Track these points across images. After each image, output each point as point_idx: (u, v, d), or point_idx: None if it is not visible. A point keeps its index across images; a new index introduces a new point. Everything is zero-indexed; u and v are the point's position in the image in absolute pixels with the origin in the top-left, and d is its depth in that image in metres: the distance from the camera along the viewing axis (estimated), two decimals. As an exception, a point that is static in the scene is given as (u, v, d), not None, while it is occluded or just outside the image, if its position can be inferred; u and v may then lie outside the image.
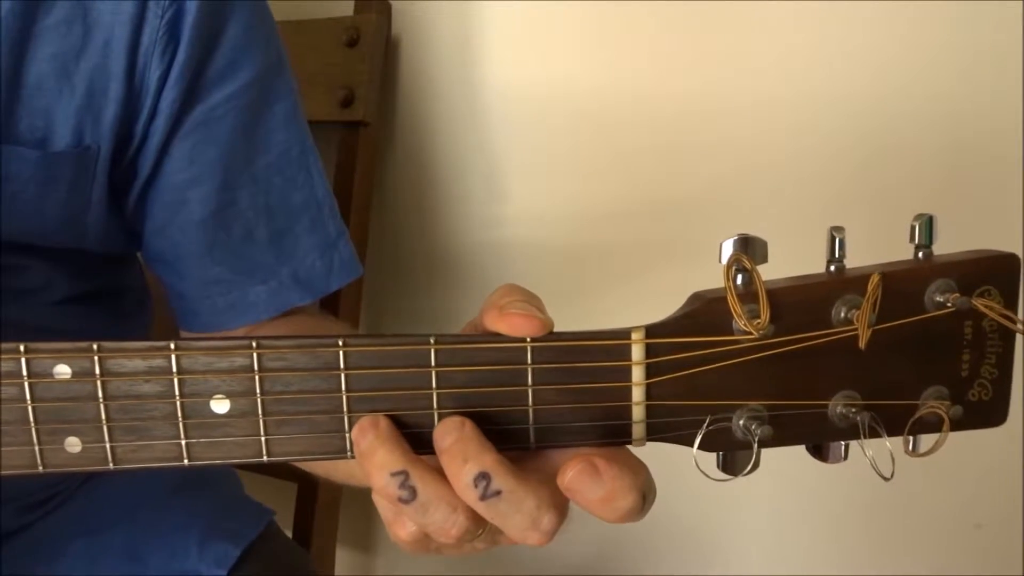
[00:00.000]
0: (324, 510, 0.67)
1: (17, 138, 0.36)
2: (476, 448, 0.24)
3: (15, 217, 0.37)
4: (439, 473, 0.25)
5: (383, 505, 0.26)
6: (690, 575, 0.65)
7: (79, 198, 0.38)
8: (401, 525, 0.26)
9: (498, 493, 0.24)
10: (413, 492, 0.24)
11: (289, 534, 0.67)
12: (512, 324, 0.25)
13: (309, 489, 0.67)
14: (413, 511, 0.25)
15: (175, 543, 0.44)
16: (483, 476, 0.24)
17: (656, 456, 0.27)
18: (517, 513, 0.24)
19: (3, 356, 0.25)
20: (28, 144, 0.36)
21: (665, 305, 0.27)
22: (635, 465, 0.25)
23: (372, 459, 0.25)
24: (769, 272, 0.25)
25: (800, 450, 0.27)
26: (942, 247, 0.26)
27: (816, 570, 0.60)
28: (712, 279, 0.27)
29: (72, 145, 0.37)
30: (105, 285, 0.46)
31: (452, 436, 0.25)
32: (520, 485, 0.24)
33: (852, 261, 0.26)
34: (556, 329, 0.26)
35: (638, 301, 0.62)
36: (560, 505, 0.25)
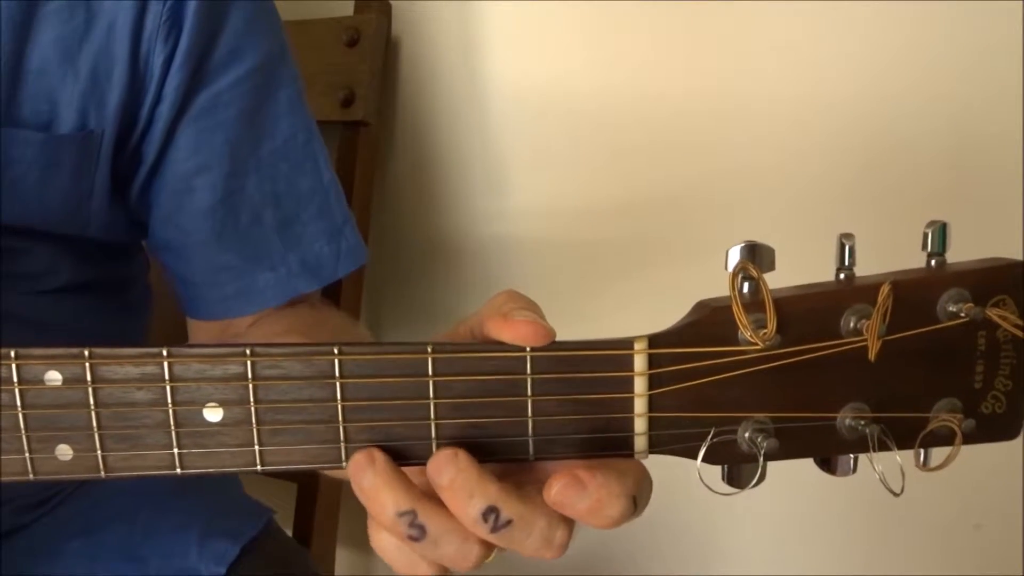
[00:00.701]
0: (324, 510, 0.67)
1: (21, 121, 0.36)
2: (477, 481, 0.24)
3: (17, 201, 0.37)
4: (446, 506, 0.24)
5: (390, 551, 0.25)
6: (690, 575, 0.65)
7: (82, 183, 0.38)
8: (414, 568, 0.25)
9: (509, 523, 0.23)
10: (422, 530, 0.24)
11: (289, 534, 0.67)
12: (518, 332, 0.24)
13: (309, 489, 0.67)
14: (424, 548, 0.24)
15: (174, 542, 0.44)
16: (491, 510, 0.23)
17: (656, 455, 0.26)
18: (529, 537, 0.24)
19: (-7, 362, 0.24)
20: (32, 127, 0.36)
21: (665, 302, 0.27)
22: (623, 469, 0.25)
23: (376, 499, 0.24)
24: (769, 272, 0.25)
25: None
26: (949, 252, 0.26)
27: (816, 570, 0.60)
28: (713, 276, 0.26)
29: (76, 129, 0.37)
30: (109, 274, 0.46)
31: (449, 472, 0.24)
32: (529, 509, 0.24)
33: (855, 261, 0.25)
34: (557, 328, 0.25)
35: (638, 297, 0.61)
36: (568, 517, 0.24)
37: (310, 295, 0.44)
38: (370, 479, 0.24)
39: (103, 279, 0.45)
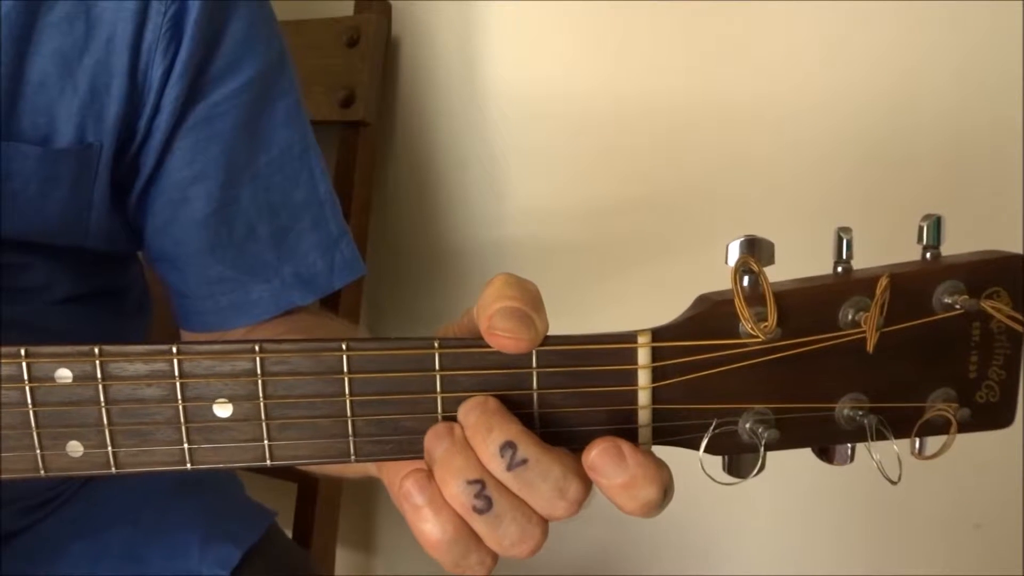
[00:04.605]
0: (324, 510, 0.67)
1: (19, 135, 0.36)
2: (500, 419, 0.24)
3: (17, 215, 0.37)
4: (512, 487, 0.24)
5: (438, 540, 0.25)
6: (690, 575, 0.65)
7: (81, 196, 0.38)
8: (464, 558, 0.25)
9: (524, 462, 0.24)
10: (488, 502, 0.24)
11: (289, 534, 0.67)
12: (499, 345, 0.25)
13: (309, 489, 0.67)
14: (486, 524, 0.24)
15: (176, 544, 0.44)
16: (509, 445, 0.24)
17: (658, 450, 0.26)
18: (544, 482, 0.24)
19: (4, 360, 0.25)
20: (31, 141, 0.36)
21: (665, 300, 0.27)
22: (658, 460, 0.25)
23: (448, 466, 0.24)
24: (768, 266, 0.25)
25: (801, 450, 0.27)
26: (944, 245, 0.26)
27: (816, 570, 0.60)
28: (714, 274, 0.27)
29: (75, 142, 0.37)
30: (106, 284, 0.46)
31: (476, 411, 0.25)
32: (545, 454, 0.24)
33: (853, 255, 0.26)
34: (558, 328, 0.25)
35: (638, 297, 0.62)
36: (585, 475, 0.25)
37: (306, 305, 0.44)
38: (445, 446, 0.25)
39: (101, 289, 0.45)
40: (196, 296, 0.42)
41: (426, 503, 0.25)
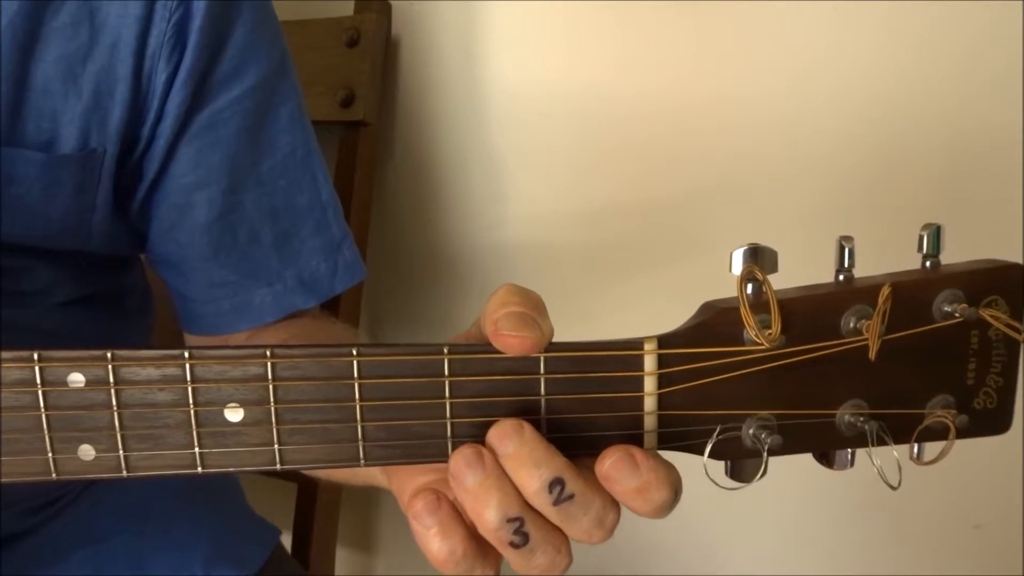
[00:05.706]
0: (324, 510, 0.67)
1: (23, 140, 0.36)
2: (545, 452, 0.24)
3: (20, 219, 0.37)
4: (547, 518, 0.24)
5: (446, 558, 0.25)
6: (690, 575, 0.66)
7: (84, 201, 0.38)
8: (470, 571, 0.25)
9: (571, 497, 0.24)
10: (526, 538, 0.24)
11: (289, 534, 0.67)
12: (505, 345, 0.25)
13: (309, 489, 0.67)
14: (518, 555, 0.24)
15: (181, 561, 0.44)
16: (558, 481, 0.24)
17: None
18: (586, 515, 0.24)
19: (17, 364, 0.25)
20: (34, 146, 0.36)
21: (668, 304, 0.27)
22: (667, 462, 0.26)
23: (486, 500, 0.24)
24: (771, 273, 0.25)
25: (802, 455, 0.28)
26: (944, 251, 0.27)
27: (815, 570, 0.61)
28: (716, 277, 0.27)
29: (78, 148, 0.37)
30: (108, 287, 0.46)
31: (514, 441, 0.24)
32: (589, 487, 0.24)
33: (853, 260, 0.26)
34: (561, 333, 0.26)
35: (641, 300, 0.62)
36: (617, 501, 0.25)
37: (308, 309, 0.44)
38: (479, 476, 0.24)
39: (102, 291, 0.45)
40: (199, 300, 0.42)
41: (436, 524, 0.25)
